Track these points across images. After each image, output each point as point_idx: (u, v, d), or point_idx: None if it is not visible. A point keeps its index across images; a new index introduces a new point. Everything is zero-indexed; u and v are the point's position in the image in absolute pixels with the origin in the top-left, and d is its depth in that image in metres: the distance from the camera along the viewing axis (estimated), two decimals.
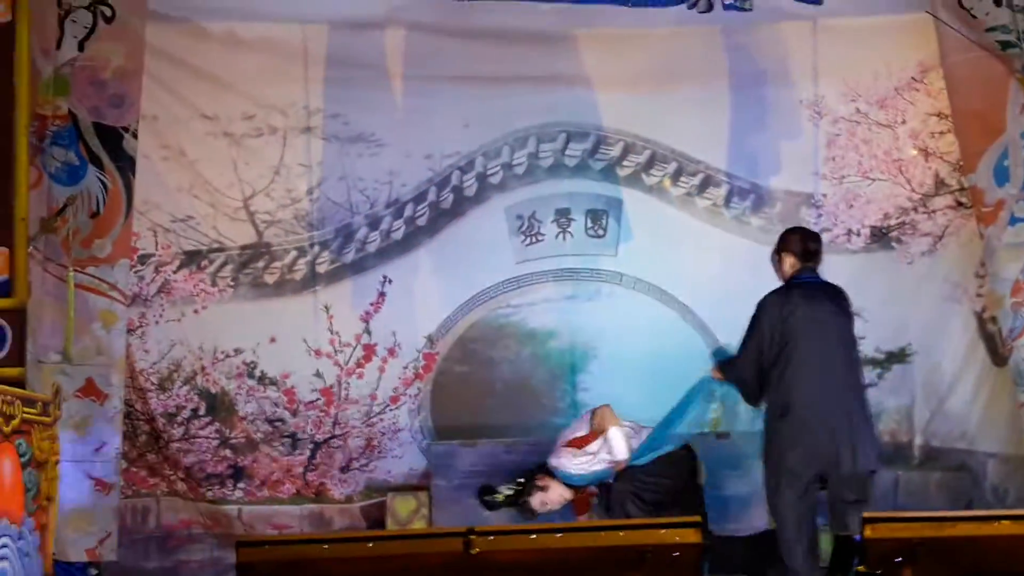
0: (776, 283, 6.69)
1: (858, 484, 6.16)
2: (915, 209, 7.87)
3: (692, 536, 4.57)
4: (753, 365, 6.45)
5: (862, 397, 6.52)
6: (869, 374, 7.79)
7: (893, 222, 7.90)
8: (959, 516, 4.75)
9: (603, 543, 4.58)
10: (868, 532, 4.54)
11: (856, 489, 6.14)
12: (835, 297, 6.58)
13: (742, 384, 6.58)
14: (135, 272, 7.62)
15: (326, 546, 4.63)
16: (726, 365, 6.69)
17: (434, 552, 4.58)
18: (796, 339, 6.35)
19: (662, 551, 4.51)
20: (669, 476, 6.77)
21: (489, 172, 8.01)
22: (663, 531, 4.59)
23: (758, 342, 6.43)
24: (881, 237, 7.90)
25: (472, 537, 4.53)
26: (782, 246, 6.66)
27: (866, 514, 4.61)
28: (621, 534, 4.61)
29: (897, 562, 4.51)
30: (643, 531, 4.62)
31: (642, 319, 7.89)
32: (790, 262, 6.61)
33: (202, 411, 7.82)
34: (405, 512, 7.53)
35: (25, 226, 6.73)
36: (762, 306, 6.51)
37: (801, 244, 6.62)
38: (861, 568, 4.80)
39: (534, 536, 4.63)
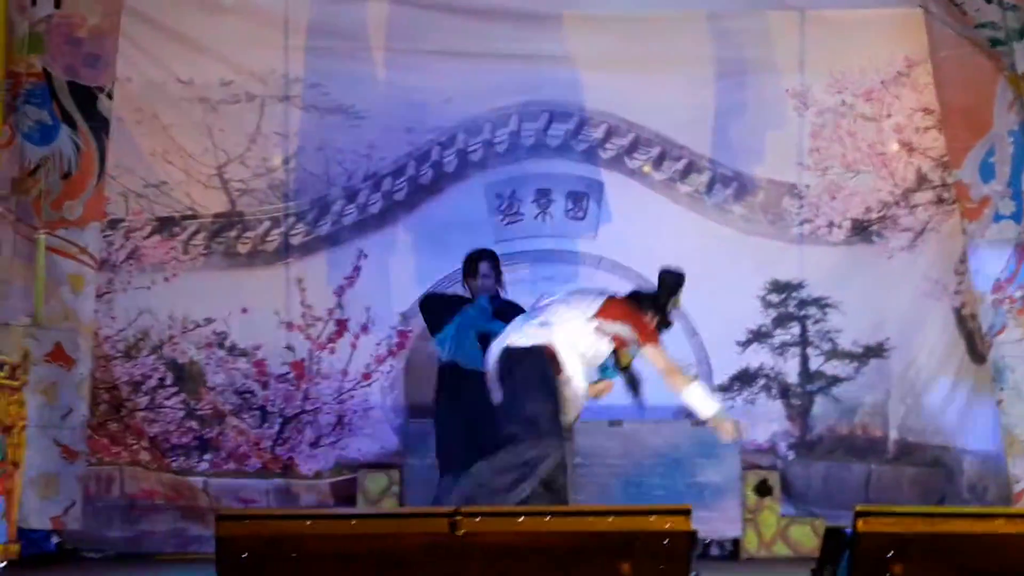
0: None
1: None
2: (896, 203, 7.84)
3: (682, 523, 4.48)
4: None
5: None
6: (846, 368, 7.81)
7: (874, 216, 7.86)
8: (953, 512, 4.71)
9: (591, 528, 4.48)
10: (860, 525, 4.47)
11: None
12: None
13: None
14: (105, 237, 7.48)
15: (308, 522, 4.50)
16: None
17: (419, 532, 4.46)
18: None
19: (652, 538, 4.42)
20: None
21: (470, 149, 7.91)
22: (652, 518, 4.49)
23: None
24: (862, 230, 7.86)
25: (458, 518, 4.42)
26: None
27: (858, 507, 4.54)
28: (610, 520, 4.50)
29: (888, 557, 4.44)
30: (632, 517, 4.51)
31: None
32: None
33: (169, 381, 7.69)
34: (376, 490, 7.42)
35: None
36: None
37: None
38: None
39: (521, 519, 4.52)
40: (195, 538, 7.43)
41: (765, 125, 7.88)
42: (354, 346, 7.77)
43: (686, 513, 4.51)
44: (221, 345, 7.69)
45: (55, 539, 7.09)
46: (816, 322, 7.89)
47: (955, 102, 7.33)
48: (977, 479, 7.44)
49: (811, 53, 7.85)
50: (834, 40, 7.83)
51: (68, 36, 7.02)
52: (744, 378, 7.87)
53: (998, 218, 7.14)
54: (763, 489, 7.43)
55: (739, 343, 7.86)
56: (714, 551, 7.46)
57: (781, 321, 7.89)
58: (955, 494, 7.43)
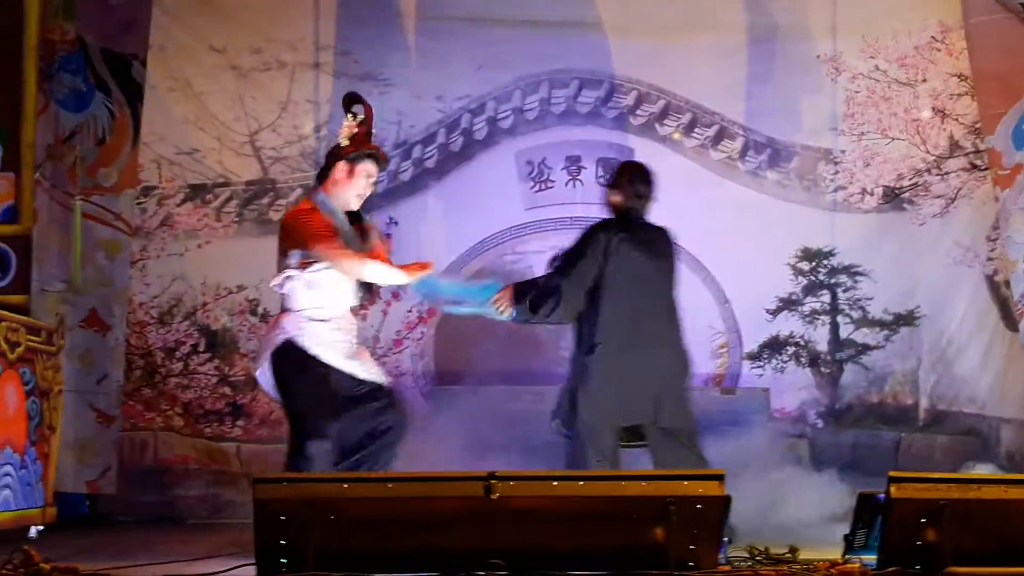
0: None
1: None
2: (928, 170, 7.81)
3: (715, 489, 4.50)
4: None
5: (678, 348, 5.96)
6: (876, 336, 7.79)
7: (906, 183, 7.83)
8: (986, 479, 4.70)
9: (625, 492, 4.50)
10: (893, 491, 4.47)
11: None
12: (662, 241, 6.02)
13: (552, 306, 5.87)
14: (138, 204, 7.53)
15: (345, 485, 4.53)
16: (527, 287, 5.96)
17: (454, 496, 4.49)
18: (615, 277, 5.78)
19: (686, 503, 4.44)
20: None
21: (500, 116, 7.91)
22: (687, 483, 4.51)
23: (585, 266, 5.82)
24: (894, 198, 7.83)
25: (493, 482, 4.45)
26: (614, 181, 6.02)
27: (892, 472, 4.53)
28: (644, 484, 4.52)
29: (922, 522, 4.45)
30: (667, 482, 4.53)
31: None
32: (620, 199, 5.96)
33: (202, 347, 7.74)
34: None
35: (32, 152, 6.66)
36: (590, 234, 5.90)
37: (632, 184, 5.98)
38: None
39: (556, 483, 4.55)
40: (227, 503, 7.50)
41: (798, 91, 7.86)
42: (385, 313, 7.80)
43: (719, 478, 4.52)
44: (254, 312, 7.73)
45: (87, 503, 7.16)
46: (847, 290, 7.88)
47: (988, 68, 7.28)
48: (1016, 447, 7.41)
49: (843, 18, 7.81)
50: (866, 5, 7.80)
51: (102, 3, 7.07)
52: (774, 346, 7.87)
53: None
54: None
55: (769, 311, 7.85)
56: None
57: (811, 289, 7.88)
58: (993, 462, 7.38)
